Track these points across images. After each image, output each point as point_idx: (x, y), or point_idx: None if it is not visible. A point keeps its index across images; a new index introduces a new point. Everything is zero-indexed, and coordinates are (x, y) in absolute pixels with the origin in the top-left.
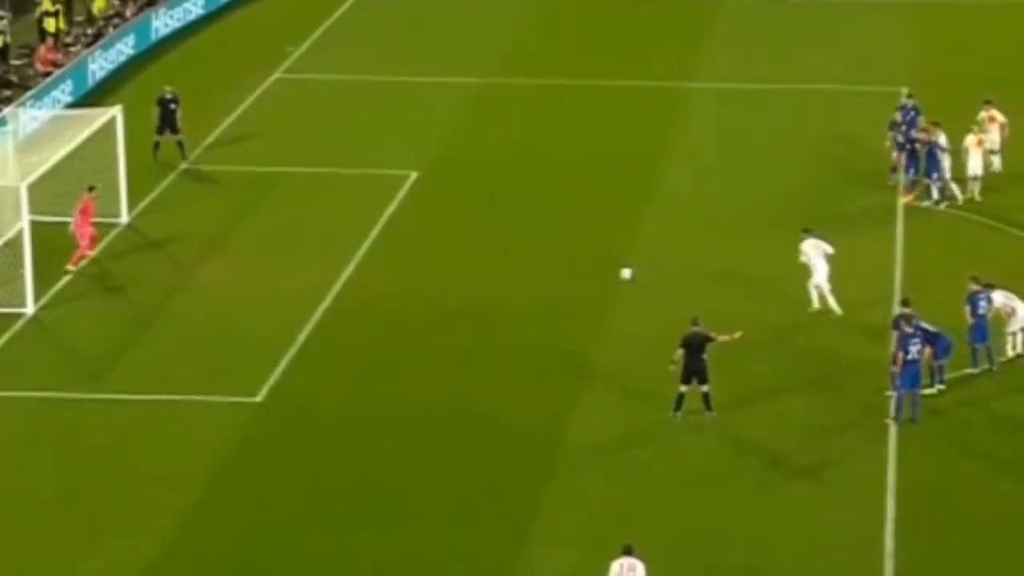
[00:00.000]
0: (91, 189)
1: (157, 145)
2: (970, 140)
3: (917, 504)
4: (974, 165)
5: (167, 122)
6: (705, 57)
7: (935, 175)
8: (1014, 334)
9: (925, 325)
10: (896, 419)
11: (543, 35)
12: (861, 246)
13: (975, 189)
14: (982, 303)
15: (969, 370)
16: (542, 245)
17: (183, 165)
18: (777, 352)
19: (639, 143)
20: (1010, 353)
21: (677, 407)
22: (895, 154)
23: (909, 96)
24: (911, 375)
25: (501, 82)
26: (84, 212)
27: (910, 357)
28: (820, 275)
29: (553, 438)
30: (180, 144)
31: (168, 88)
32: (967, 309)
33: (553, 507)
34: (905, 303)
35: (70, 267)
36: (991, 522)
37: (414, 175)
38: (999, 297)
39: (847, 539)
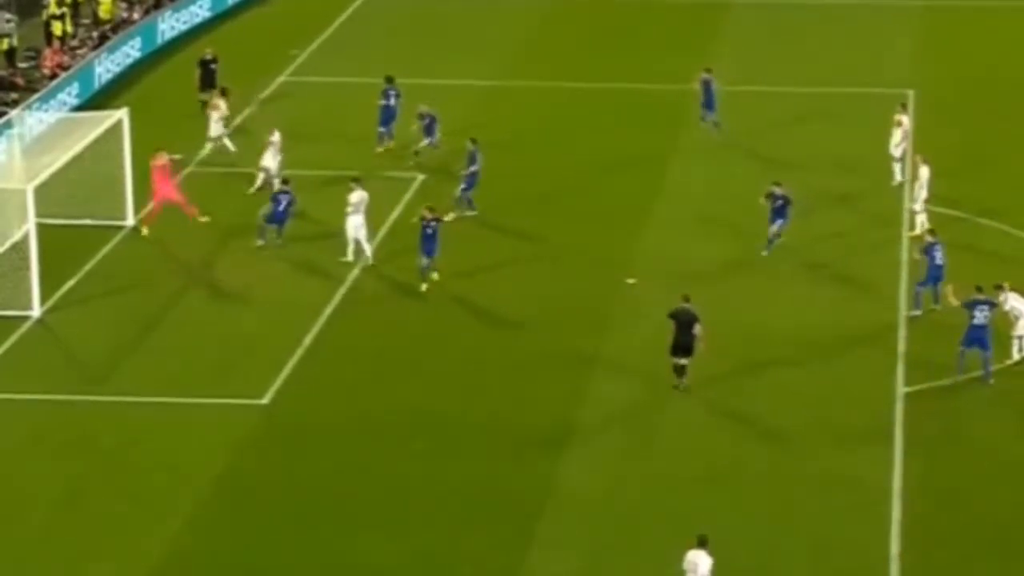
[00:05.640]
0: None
1: (204, 104)
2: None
3: (923, 507)
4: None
5: (208, 81)
6: (711, 61)
7: None
8: (1020, 338)
9: None
10: (958, 372)
11: (550, 38)
12: (865, 247)
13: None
14: (978, 312)
15: (975, 373)
16: (549, 247)
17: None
18: (781, 354)
19: (646, 146)
20: (1016, 356)
21: (678, 376)
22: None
23: (708, 71)
24: (975, 338)
25: (507, 85)
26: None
27: (976, 322)
28: (357, 228)
29: (557, 441)
30: (204, 104)
31: (209, 50)
32: (966, 313)
33: (557, 510)
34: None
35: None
36: (996, 525)
37: (420, 177)
38: (1012, 300)
39: (852, 542)
